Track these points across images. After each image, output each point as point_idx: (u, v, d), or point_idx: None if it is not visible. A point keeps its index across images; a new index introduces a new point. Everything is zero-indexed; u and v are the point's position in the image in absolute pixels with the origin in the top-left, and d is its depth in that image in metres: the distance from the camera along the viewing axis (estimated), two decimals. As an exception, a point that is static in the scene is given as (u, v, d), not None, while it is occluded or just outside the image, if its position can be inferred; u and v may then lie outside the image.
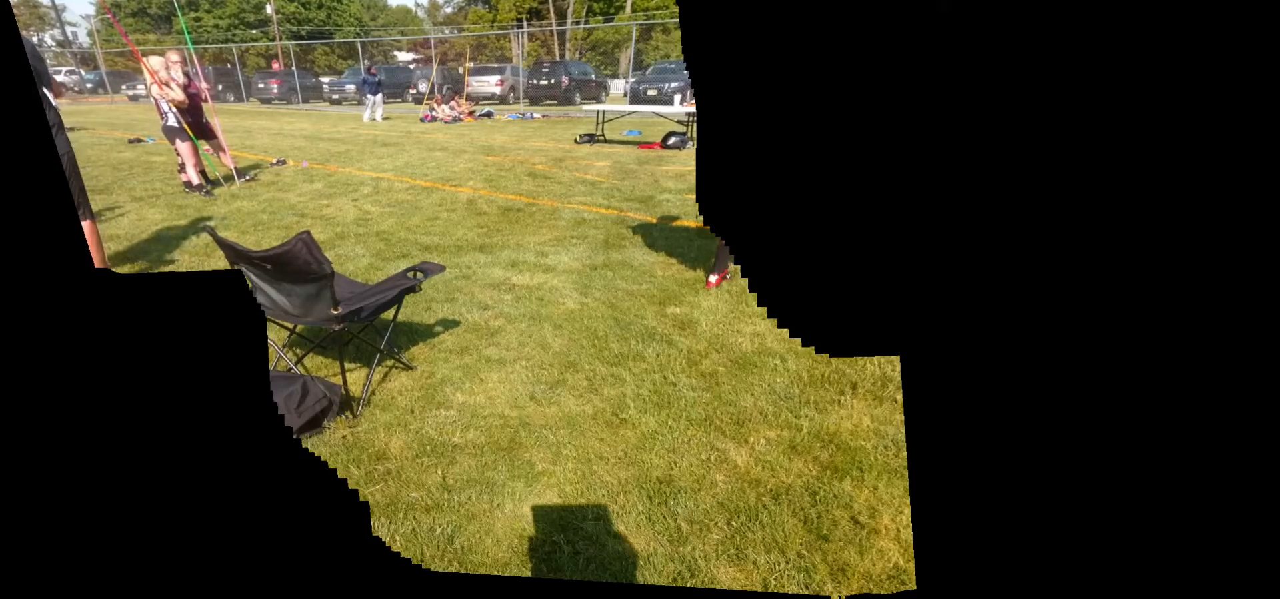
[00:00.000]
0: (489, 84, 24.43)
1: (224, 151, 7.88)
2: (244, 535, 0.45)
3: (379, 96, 17.25)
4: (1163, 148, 0.33)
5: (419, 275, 3.03)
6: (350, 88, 25.72)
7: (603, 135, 12.45)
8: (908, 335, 0.41)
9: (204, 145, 7.74)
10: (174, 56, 7.25)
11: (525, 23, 39.00)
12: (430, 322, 3.57)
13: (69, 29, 49.71)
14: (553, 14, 41.44)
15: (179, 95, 7.02)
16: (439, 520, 2.03)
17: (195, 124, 7.44)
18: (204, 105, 7.73)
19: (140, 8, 41.50)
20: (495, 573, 1.82)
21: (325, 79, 28.50)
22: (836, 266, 0.37)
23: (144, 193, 7.33)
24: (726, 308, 3.74)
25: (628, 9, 41.08)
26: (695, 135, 4.07)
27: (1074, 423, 0.39)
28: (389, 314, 2.95)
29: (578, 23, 39.92)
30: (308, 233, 2.38)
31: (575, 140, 12.11)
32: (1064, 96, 0.33)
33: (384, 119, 17.31)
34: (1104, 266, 0.37)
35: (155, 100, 7.08)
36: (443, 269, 3.18)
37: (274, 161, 9.55)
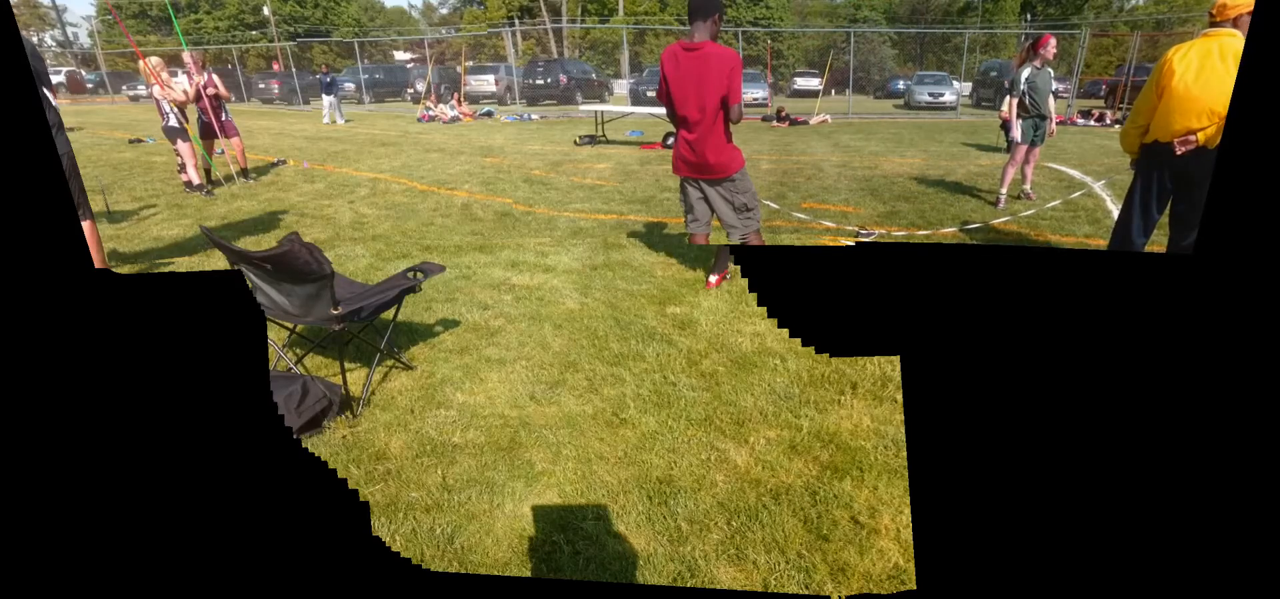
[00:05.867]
0: (487, 83, 24.31)
1: (239, 149, 7.90)
2: (244, 535, 0.45)
3: (334, 98, 16.60)
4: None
5: (419, 275, 3.03)
6: (350, 86, 25.71)
7: (603, 136, 12.44)
8: (908, 335, 0.41)
9: (228, 143, 7.77)
10: (188, 58, 7.29)
11: (516, 21, 38.99)
12: (430, 322, 3.57)
13: (69, 29, 49.65)
14: (545, 12, 41.41)
15: (178, 94, 7.02)
16: (439, 520, 2.03)
17: (217, 123, 7.47)
18: (227, 103, 7.76)
19: (141, 10, 41.49)
20: (495, 573, 1.82)
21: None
22: None
23: (144, 193, 7.33)
24: (726, 308, 3.74)
25: (619, 11, 41.19)
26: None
27: (1073, 424, 0.39)
28: (389, 314, 2.95)
29: (572, 22, 40.00)
30: (296, 234, 2.38)
31: (575, 142, 12.10)
32: None
33: (345, 121, 16.86)
34: (1102, 268, 0.37)
35: (156, 100, 7.08)
36: (443, 269, 3.18)
37: (274, 161, 9.55)
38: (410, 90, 26.02)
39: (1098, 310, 0.37)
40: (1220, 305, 0.35)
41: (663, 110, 3.95)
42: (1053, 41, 6.27)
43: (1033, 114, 6.31)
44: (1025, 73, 6.24)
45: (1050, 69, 6.29)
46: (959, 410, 0.40)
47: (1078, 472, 0.39)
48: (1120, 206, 3.90)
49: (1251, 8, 3.19)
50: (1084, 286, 0.37)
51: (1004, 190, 6.50)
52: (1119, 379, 0.37)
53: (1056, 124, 7.61)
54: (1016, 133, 6.37)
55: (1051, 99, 6.35)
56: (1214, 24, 3.22)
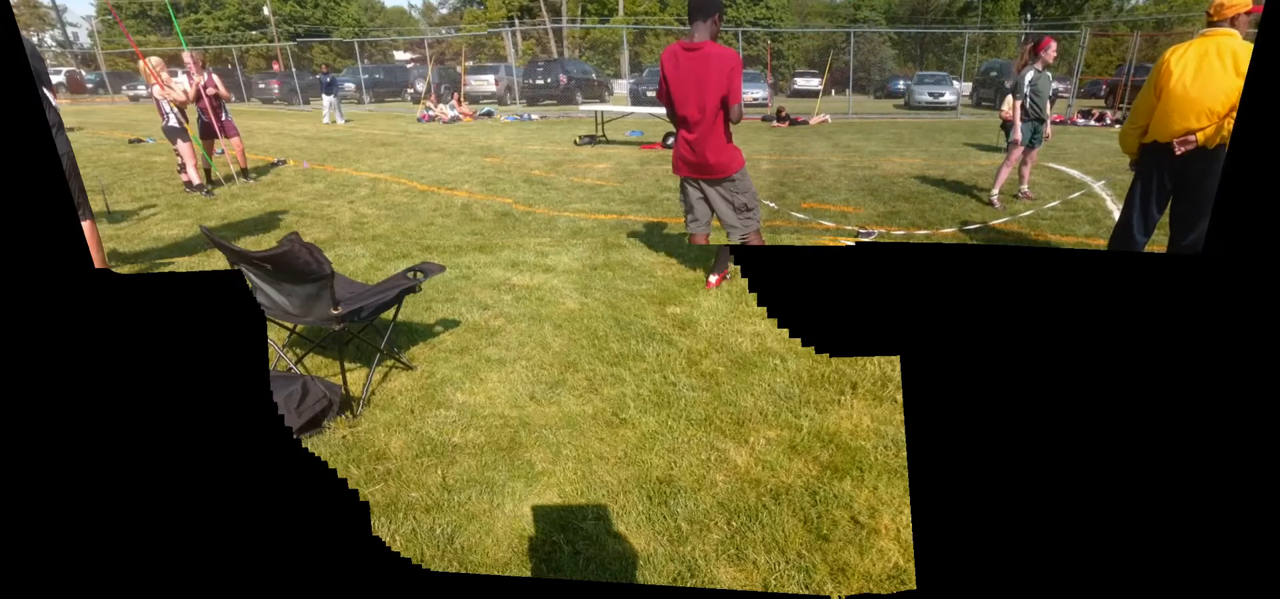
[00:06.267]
0: (487, 83, 24.26)
1: (239, 149, 7.90)
2: (244, 535, 0.45)
3: (334, 97, 16.60)
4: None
5: (419, 275, 3.03)
6: (350, 86, 25.70)
7: (603, 136, 12.44)
8: (908, 335, 0.41)
9: (228, 143, 7.78)
10: (188, 58, 7.30)
11: (516, 20, 38.96)
12: (430, 322, 3.57)
13: (70, 29, 49.59)
14: (545, 12, 41.37)
15: (178, 94, 7.02)
16: (439, 520, 2.03)
17: (217, 123, 7.48)
18: (227, 103, 7.76)
19: (141, 10, 41.48)
20: (495, 573, 1.82)
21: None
22: None
23: (144, 193, 7.33)
24: (726, 308, 3.74)
25: (619, 11, 41.21)
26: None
27: (1073, 424, 0.39)
28: (389, 314, 2.95)
29: (573, 22, 39.99)
30: (296, 233, 2.38)
31: (575, 142, 12.10)
32: None
33: (345, 121, 16.88)
34: (1104, 268, 0.37)
35: (156, 100, 7.08)
36: (443, 269, 3.18)
37: (274, 161, 9.55)
38: (410, 90, 25.99)
39: (1100, 311, 0.37)
40: (1228, 306, 0.35)
41: (663, 110, 3.94)
42: (1053, 45, 6.29)
43: (1033, 116, 6.34)
44: (1028, 75, 6.26)
45: (1050, 72, 6.32)
46: (959, 410, 0.40)
47: (1078, 472, 0.39)
48: (1120, 207, 3.91)
49: (1249, 7, 3.16)
50: (1087, 287, 0.37)
51: (996, 190, 6.54)
52: (1120, 380, 0.37)
53: (1054, 124, 7.65)
54: (1017, 133, 6.39)
55: (1050, 102, 6.39)
56: (1212, 24, 3.22)
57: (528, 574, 1.85)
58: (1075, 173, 8.29)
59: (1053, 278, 0.38)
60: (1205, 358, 0.35)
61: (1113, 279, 0.37)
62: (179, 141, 7.08)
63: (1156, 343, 0.36)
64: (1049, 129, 6.56)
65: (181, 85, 7.24)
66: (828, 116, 17.13)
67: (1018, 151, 6.49)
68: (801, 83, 28.97)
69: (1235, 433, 0.35)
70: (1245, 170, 0.34)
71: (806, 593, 1.76)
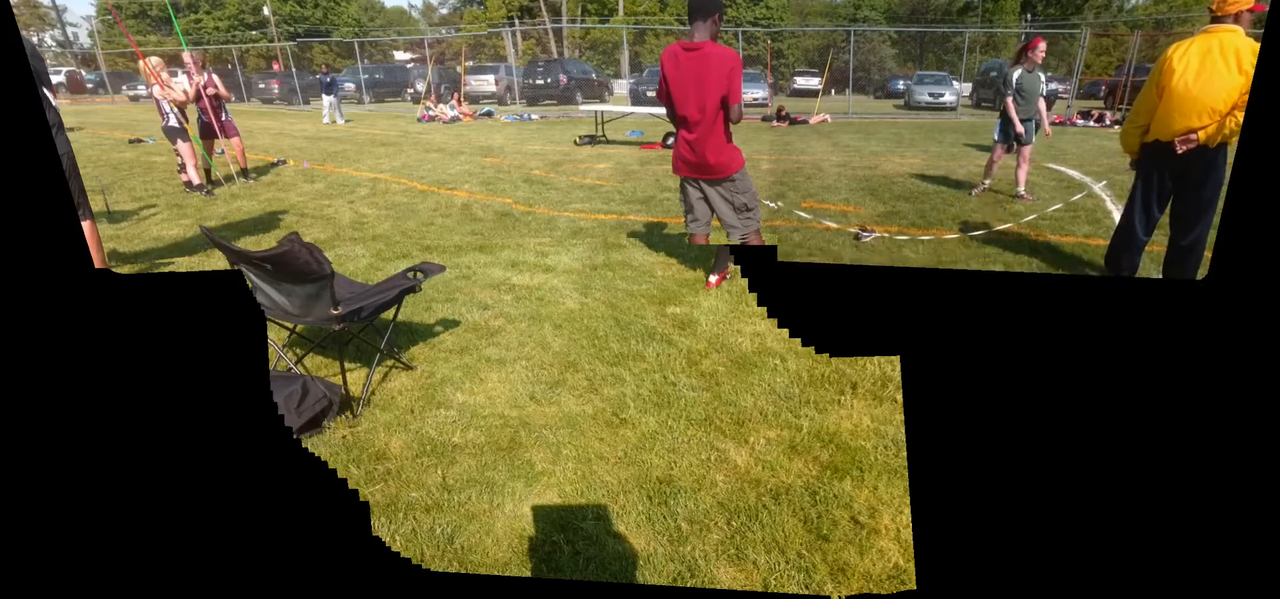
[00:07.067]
0: (487, 83, 24.24)
1: (239, 149, 7.90)
2: (244, 534, 0.45)
3: (334, 97, 16.61)
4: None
5: (419, 275, 3.03)
6: (350, 86, 25.69)
7: (603, 136, 12.44)
8: (908, 335, 0.41)
9: (228, 143, 7.77)
10: (188, 58, 7.30)
11: (516, 20, 38.96)
12: (430, 322, 3.57)
13: (70, 29, 49.56)
14: (545, 12, 41.36)
15: (178, 94, 7.02)
16: (439, 520, 2.03)
17: (217, 123, 7.48)
18: (227, 103, 7.76)
19: (141, 10, 41.47)
20: (495, 573, 1.82)
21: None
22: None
23: (144, 193, 7.33)
24: (726, 308, 3.74)
25: (619, 11, 41.23)
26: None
27: (1072, 424, 0.39)
28: (389, 314, 2.95)
29: (573, 22, 40.00)
30: (296, 234, 2.38)
31: (575, 142, 12.10)
32: None
33: (345, 121, 16.87)
34: (1096, 290, 0.37)
35: (156, 100, 7.08)
36: (443, 269, 3.18)
37: (274, 161, 9.55)
38: (410, 90, 25.97)
39: (1096, 323, 0.37)
40: (1225, 320, 0.35)
41: (663, 110, 3.94)
42: (1042, 45, 6.40)
43: (1022, 115, 6.44)
44: (1015, 75, 6.37)
45: (1040, 72, 6.41)
46: (959, 412, 0.40)
47: (1077, 475, 0.39)
48: (1121, 207, 3.91)
49: (1252, 5, 3.15)
50: (1083, 302, 0.37)
51: (987, 182, 6.68)
52: (1117, 387, 0.37)
53: (1054, 125, 7.76)
54: (1019, 129, 6.46)
55: (1041, 102, 6.49)
56: (1215, 20, 3.21)
57: (528, 574, 1.85)
58: (1075, 173, 8.29)
59: (1051, 294, 0.38)
60: (1195, 364, 0.35)
61: (1108, 298, 0.37)
62: (179, 141, 7.08)
63: (1148, 352, 0.36)
64: (1048, 128, 6.65)
65: (181, 85, 7.23)
66: (827, 116, 17.13)
67: (1000, 148, 6.66)
68: (801, 82, 28.96)
69: (1226, 434, 0.35)
70: (1252, 178, 0.34)
71: (806, 593, 1.76)
